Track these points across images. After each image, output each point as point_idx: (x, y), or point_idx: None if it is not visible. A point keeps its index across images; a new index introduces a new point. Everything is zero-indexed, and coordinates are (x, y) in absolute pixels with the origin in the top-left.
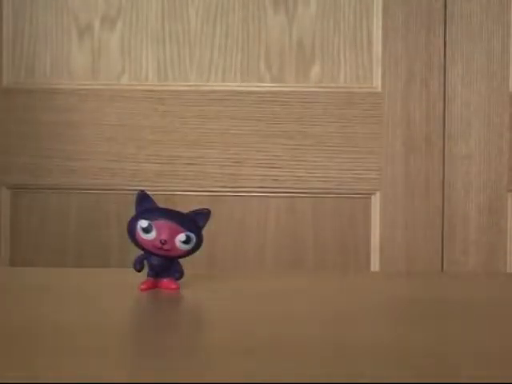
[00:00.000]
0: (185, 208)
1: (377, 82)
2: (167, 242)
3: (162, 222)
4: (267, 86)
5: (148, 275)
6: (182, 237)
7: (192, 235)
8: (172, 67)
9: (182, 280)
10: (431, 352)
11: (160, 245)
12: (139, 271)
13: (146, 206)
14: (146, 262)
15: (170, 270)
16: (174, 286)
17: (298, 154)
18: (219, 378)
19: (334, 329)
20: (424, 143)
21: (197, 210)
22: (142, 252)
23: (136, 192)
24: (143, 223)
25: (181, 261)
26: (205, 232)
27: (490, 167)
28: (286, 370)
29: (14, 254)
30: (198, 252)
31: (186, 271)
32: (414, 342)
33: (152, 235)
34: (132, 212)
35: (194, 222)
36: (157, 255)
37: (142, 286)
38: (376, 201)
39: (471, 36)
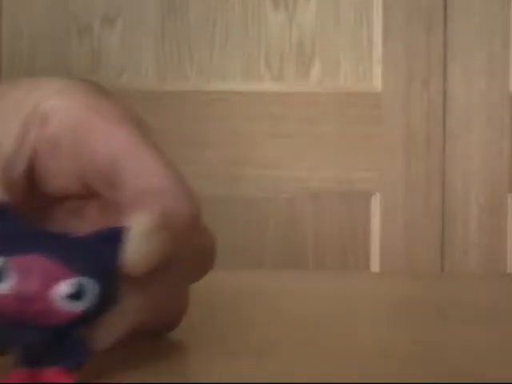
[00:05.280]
0: None
1: (377, 82)
2: (36, 299)
3: (28, 260)
4: (267, 86)
5: (17, 365)
6: (64, 287)
7: (90, 282)
8: (172, 67)
9: None
10: (431, 352)
11: (19, 304)
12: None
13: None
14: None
15: (58, 352)
16: (63, 379)
17: (298, 154)
18: (219, 378)
19: (333, 329)
20: (424, 143)
21: (106, 229)
22: None
23: None
24: None
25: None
26: None
27: (490, 167)
28: (286, 370)
29: None
30: None
31: None
32: (414, 342)
33: (5, 286)
34: None
35: (101, 251)
36: (19, 325)
37: None
38: (376, 201)
39: (471, 36)
